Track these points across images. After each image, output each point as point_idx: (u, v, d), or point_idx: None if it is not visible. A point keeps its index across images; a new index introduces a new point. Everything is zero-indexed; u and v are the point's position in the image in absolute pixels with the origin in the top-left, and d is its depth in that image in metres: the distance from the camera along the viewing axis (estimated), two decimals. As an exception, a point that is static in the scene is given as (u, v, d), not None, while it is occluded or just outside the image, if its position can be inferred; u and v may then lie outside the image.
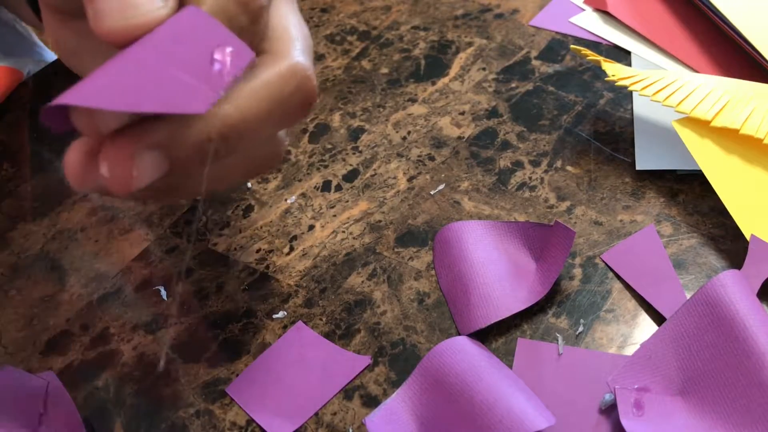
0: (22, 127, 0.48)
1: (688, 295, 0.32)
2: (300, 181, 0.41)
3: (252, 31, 0.24)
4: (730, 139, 0.36)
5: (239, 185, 0.41)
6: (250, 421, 0.31)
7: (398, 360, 0.32)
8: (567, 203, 0.37)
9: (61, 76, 0.52)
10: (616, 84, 0.38)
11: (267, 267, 0.37)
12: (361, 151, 0.42)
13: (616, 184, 0.38)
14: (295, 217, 0.39)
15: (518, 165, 0.40)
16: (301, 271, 0.36)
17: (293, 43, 0.25)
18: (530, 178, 0.39)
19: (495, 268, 0.34)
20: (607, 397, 0.29)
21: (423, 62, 0.48)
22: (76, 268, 0.39)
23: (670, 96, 0.37)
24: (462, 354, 0.30)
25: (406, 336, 0.33)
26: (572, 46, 0.42)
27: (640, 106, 0.41)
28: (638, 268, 0.34)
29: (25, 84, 0.51)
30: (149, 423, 0.31)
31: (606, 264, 0.34)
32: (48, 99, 0.29)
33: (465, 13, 0.51)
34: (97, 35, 0.22)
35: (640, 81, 0.38)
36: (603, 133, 0.41)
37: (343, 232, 0.38)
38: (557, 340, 0.32)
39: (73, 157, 0.22)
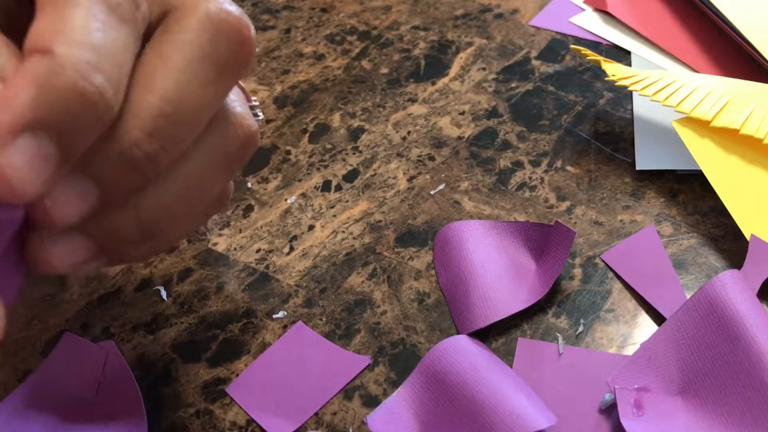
0: None
1: (688, 295, 0.32)
2: (300, 181, 0.41)
3: None
4: (730, 139, 0.36)
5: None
6: (250, 421, 0.31)
7: (398, 360, 0.32)
8: (567, 203, 0.37)
9: None
10: (616, 84, 0.38)
11: (267, 267, 0.37)
12: (361, 151, 0.42)
13: (616, 184, 0.38)
14: (295, 217, 0.39)
15: (518, 165, 0.40)
16: (301, 271, 0.36)
17: None
18: (530, 178, 0.39)
19: (495, 268, 0.34)
20: (607, 397, 0.29)
21: (423, 62, 0.48)
22: (76, 268, 0.38)
23: (670, 96, 0.37)
24: (463, 353, 0.30)
25: (406, 336, 0.33)
26: (572, 46, 0.42)
27: (640, 106, 0.41)
28: (638, 268, 0.34)
29: None
30: (149, 423, 0.31)
31: (606, 264, 0.34)
32: None
33: (465, 13, 0.51)
34: None
35: (640, 81, 0.38)
36: (603, 133, 0.41)
37: (343, 232, 0.38)
38: (557, 340, 0.32)
39: None
